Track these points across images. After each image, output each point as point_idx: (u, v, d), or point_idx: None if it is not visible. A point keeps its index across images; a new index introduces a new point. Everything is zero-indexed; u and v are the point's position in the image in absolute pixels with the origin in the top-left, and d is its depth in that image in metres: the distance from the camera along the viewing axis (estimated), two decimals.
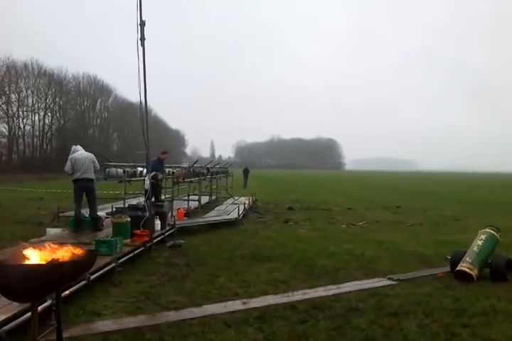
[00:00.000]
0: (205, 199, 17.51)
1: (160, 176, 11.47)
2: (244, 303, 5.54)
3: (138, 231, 8.23)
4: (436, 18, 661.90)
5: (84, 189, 9.30)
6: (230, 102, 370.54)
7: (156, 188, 10.97)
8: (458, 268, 6.89)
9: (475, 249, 7.10)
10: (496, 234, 7.36)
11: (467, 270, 6.77)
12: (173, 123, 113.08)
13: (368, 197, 27.10)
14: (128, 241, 7.90)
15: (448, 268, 7.32)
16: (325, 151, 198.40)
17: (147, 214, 8.49)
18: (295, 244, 9.90)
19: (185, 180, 14.95)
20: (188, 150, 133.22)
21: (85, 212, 9.69)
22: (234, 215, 13.33)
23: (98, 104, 75.93)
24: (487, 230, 7.44)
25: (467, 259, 6.92)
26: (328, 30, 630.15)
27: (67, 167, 9.26)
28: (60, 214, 11.95)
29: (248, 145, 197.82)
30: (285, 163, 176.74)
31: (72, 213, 10.16)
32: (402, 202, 22.30)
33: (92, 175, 9.34)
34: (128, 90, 76.80)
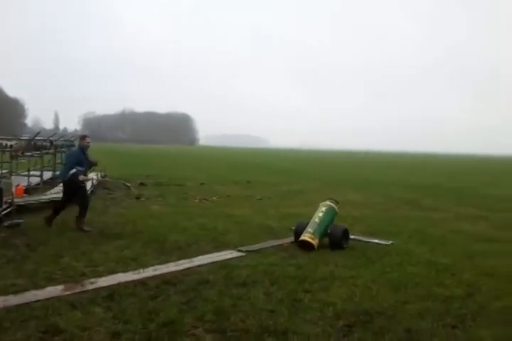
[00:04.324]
0: (47, 174, 16.31)
1: (82, 177, 8.54)
2: (91, 283, 5.32)
3: None
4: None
5: None
6: (77, 71, 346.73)
7: (77, 191, 8.63)
8: (301, 238, 7.41)
9: (316, 220, 7.68)
10: (334, 206, 8.04)
11: (309, 239, 7.31)
12: (10, 91, 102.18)
13: (221, 172, 27.67)
14: None
15: (292, 239, 7.83)
16: (179, 126, 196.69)
17: None
18: (146, 220, 9.75)
19: (25, 153, 13.73)
20: (29, 122, 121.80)
21: None
22: None
23: None
24: (327, 203, 8.09)
25: (309, 230, 7.46)
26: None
27: None
28: None
29: (97, 117, 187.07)
30: (138, 137, 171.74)
31: None
32: (252, 177, 23.19)
33: None
34: None
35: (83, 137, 8.94)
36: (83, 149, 8.77)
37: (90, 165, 9.14)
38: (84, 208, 8.63)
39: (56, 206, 8.84)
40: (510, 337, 4.12)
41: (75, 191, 8.64)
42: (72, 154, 9.27)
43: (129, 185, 16.99)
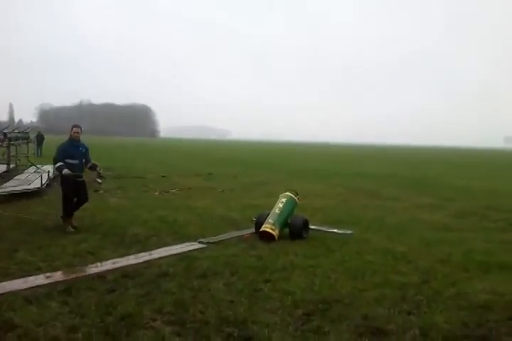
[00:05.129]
0: (1, 167, 15.83)
1: (65, 171, 7.71)
2: (47, 277, 5.19)
3: None
4: None
5: None
6: (33, 61, 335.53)
7: (70, 186, 7.89)
8: (261, 229, 7.44)
9: (276, 211, 7.72)
10: (294, 197, 8.09)
11: (269, 230, 7.35)
12: None
13: (182, 164, 27.41)
14: None
15: (253, 230, 7.85)
16: (139, 118, 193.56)
17: None
18: (105, 213, 9.55)
19: None
20: None
21: None
22: (36, 185, 12.29)
23: None
24: (287, 194, 8.13)
25: (269, 220, 7.50)
26: None
27: None
28: None
29: (53, 109, 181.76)
30: (96, 129, 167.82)
31: None
32: (214, 169, 23.08)
33: None
34: None
35: (71, 127, 8.14)
36: (72, 140, 8.01)
37: (86, 158, 8.17)
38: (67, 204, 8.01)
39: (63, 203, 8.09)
40: (462, 322, 4.26)
41: (74, 186, 7.95)
42: (58, 147, 8.19)
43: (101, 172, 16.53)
